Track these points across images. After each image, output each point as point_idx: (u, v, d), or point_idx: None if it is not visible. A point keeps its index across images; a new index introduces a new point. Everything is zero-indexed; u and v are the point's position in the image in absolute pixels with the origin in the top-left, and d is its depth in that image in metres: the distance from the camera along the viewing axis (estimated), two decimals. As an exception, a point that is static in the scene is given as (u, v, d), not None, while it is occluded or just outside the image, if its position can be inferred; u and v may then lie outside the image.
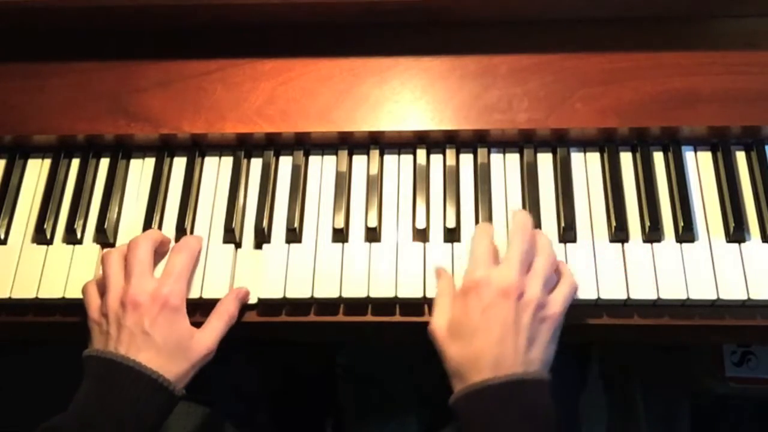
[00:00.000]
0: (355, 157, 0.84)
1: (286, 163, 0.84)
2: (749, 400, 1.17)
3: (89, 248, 0.80)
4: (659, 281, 0.74)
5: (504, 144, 0.83)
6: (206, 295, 0.75)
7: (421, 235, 0.78)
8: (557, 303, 0.69)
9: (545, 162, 0.82)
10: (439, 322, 0.69)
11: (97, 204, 0.82)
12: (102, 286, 0.73)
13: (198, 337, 0.71)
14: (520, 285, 0.67)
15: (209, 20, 0.85)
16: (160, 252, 0.76)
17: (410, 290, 0.75)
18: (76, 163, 0.85)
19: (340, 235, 0.78)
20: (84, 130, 0.83)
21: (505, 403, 0.64)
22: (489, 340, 0.65)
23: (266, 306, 0.77)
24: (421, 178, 0.81)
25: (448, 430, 0.85)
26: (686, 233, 0.76)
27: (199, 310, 0.75)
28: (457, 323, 0.67)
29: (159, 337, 0.68)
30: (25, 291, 0.77)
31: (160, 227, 0.81)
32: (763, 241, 0.77)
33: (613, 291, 0.74)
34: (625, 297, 0.74)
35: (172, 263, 0.73)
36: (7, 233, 0.82)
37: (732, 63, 0.81)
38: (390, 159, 0.83)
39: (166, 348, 0.69)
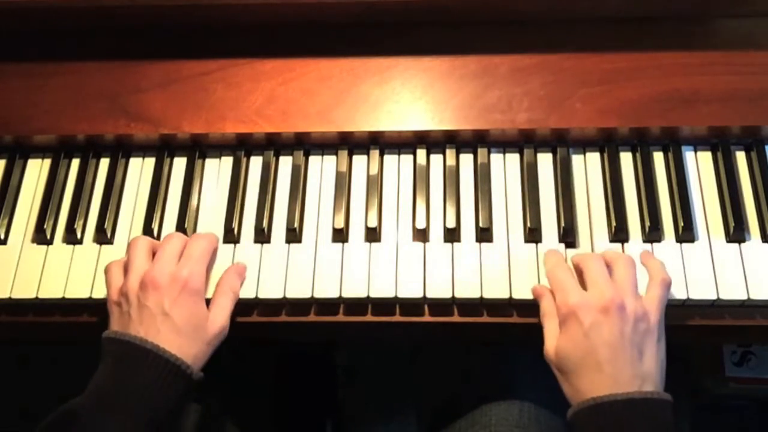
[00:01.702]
0: (355, 157, 0.84)
1: (286, 163, 0.84)
2: (749, 400, 1.17)
3: (89, 248, 0.80)
4: (659, 281, 0.74)
5: (504, 144, 0.83)
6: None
7: (421, 235, 0.78)
8: (654, 310, 0.68)
9: (545, 162, 0.82)
10: (550, 345, 0.69)
11: (97, 204, 0.82)
12: (125, 267, 0.73)
13: (211, 317, 0.72)
14: (615, 297, 0.66)
15: (209, 20, 0.85)
16: None
17: (410, 290, 0.75)
18: (76, 163, 0.85)
19: (340, 235, 0.78)
20: (84, 130, 0.83)
21: (631, 421, 0.63)
22: (599, 361, 0.65)
23: (266, 306, 0.77)
24: (421, 178, 0.81)
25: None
26: (686, 233, 0.76)
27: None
28: (565, 356, 0.67)
29: (178, 319, 0.68)
30: (25, 291, 0.77)
31: (160, 227, 0.81)
32: (763, 241, 0.77)
33: (613, 291, 0.74)
34: (625, 297, 0.74)
35: (191, 248, 0.74)
36: (7, 233, 0.82)
37: (732, 63, 0.81)
38: (390, 159, 0.83)
39: (185, 330, 0.69)
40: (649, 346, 0.66)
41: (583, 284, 0.70)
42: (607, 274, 0.69)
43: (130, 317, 0.69)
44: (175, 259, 0.72)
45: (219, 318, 0.72)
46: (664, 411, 0.64)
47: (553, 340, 0.69)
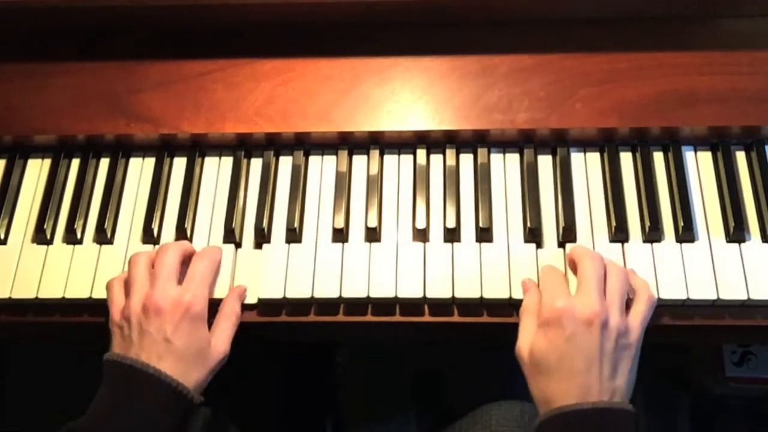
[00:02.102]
0: (355, 157, 0.84)
1: (286, 163, 0.84)
2: (749, 400, 1.17)
3: (89, 248, 0.80)
4: (659, 281, 0.74)
5: (504, 144, 0.83)
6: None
7: (421, 235, 0.78)
8: (636, 328, 0.68)
9: (545, 162, 0.82)
10: (524, 343, 0.69)
11: (97, 204, 0.82)
12: (127, 286, 0.72)
13: (213, 342, 0.71)
14: (602, 312, 0.66)
15: (209, 20, 0.85)
16: (187, 264, 0.75)
17: (410, 290, 0.75)
18: (76, 163, 0.85)
19: (340, 235, 0.78)
20: (84, 130, 0.83)
21: (595, 429, 0.63)
22: (574, 369, 0.65)
23: (266, 306, 0.77)
24: (421, 178, 0.81)
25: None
26: (686, 233, 0.76)
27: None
28: (540, 356, 0.67)
29: (181, 345, 0.68)
30: (25, 291, 0.77)
31: (160, 227, 0.81)
32: (763, 241, 0.77)
33: (613, 291, 0.74)
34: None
35: (194, 269, 0.73)
36: (7, 233, 0.82)
37: (732, 63, 0.81)
38: (390, 159, 0.83)
39: (187, 356, 0.68)
40: (625, 362, 0.67)
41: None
42: (600, 281, 0.69)
43: (132, 341, 0.69)
44: (176, 275, 0.72)
45: (221, 344, 0.72)
46: (628, 421, 0.64)
47: (527, 338, 0.68)
